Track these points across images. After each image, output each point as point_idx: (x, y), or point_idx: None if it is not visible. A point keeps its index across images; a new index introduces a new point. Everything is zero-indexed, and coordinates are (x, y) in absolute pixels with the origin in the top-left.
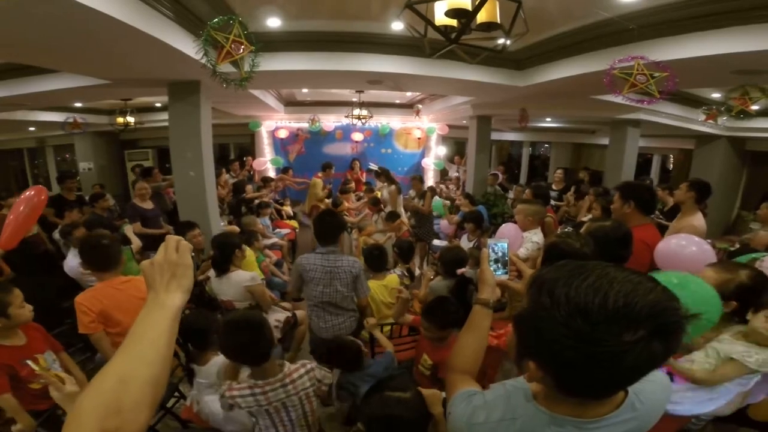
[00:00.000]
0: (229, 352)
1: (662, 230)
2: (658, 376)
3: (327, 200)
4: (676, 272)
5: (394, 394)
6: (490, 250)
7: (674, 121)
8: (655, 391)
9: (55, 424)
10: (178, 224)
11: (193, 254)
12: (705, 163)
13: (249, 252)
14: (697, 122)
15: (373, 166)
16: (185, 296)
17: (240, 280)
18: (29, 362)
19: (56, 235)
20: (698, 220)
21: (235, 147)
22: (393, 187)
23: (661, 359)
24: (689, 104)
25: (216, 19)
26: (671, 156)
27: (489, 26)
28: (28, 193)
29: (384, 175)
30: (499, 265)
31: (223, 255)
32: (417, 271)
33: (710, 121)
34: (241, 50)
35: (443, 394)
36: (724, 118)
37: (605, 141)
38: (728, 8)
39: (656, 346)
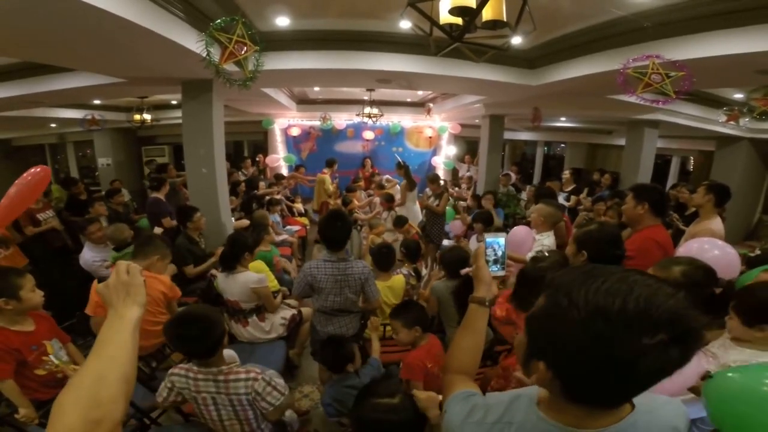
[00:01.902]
0: (175, 343)
1: (681, 235)
2: (674, 403)
3: (338, 200)
4: None
5: (382, 400)
6: (488, 247)
7: (694, 122)
8: (666, 410)
9: None
10: (181, 210)
11: (199, 239)
12: (726, 165)
13: (259, 263)
14: (718, 123)
15: (398, 158)
16: (141, 310)
17: (247, 281)
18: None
19: None
20: (716, 224)
21: (249, 144)
22: (404, 181)
23: (675, 366)
24: (710, 105)
25: (219, 20)
26: (691, 158)
27: (495, 24)
28: (33, 170)
29: (404, 169)
30: (498, 263)
31: (232, 252)
32: (424, 271)
33: (732, 122)
34: (244, 51)
35: (440, 397)
36: (746, 119)
37: (622, 141)
38: (749, 6)
39: (674, 351)
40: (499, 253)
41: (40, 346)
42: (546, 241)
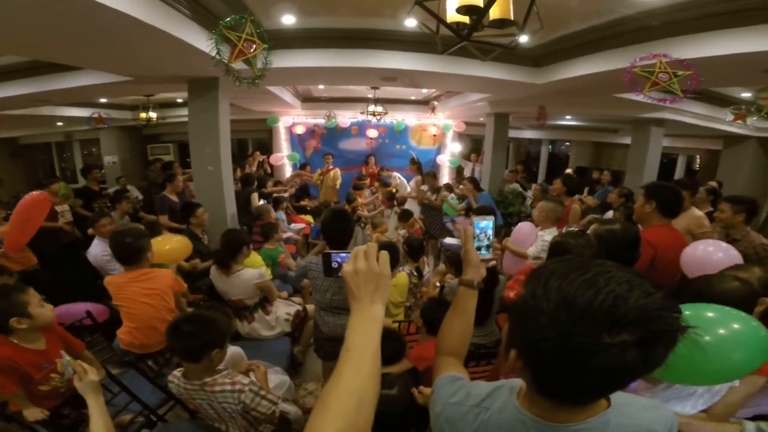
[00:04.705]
0: (169, 335)
1: None
2: (661, 408)
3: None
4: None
5: (380, 391)
6: (477, 231)
7: (701, 120)
8: (647, 413)
9: (57, 425)
10: (184, 206)
11: (203, 236)
12: (733, 164)
13: (254, 255)
14: (725, 122)
15: (413, 154)
16: (384, 309)
17: (250, 278)
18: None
19: None
20: (694, 210)
21: (254, 142)
22: (419, 177)
23: (637, 370)
24: (717, 103)
25: (228, 18)
26: (697, 157)
27: (502, 23)
28: (29, 198)
29: (417, 165)
30: (487, 247)
31: (229, 251)
32: (426, 269)
33: (739, 121)
34: (253, 49)
35: None
36: (754, 118)
37: (627, 140)
38: (756, 5)
39: (632, 353)
40: (489, 237)
41: (50, 364)
42: (547, 236)
